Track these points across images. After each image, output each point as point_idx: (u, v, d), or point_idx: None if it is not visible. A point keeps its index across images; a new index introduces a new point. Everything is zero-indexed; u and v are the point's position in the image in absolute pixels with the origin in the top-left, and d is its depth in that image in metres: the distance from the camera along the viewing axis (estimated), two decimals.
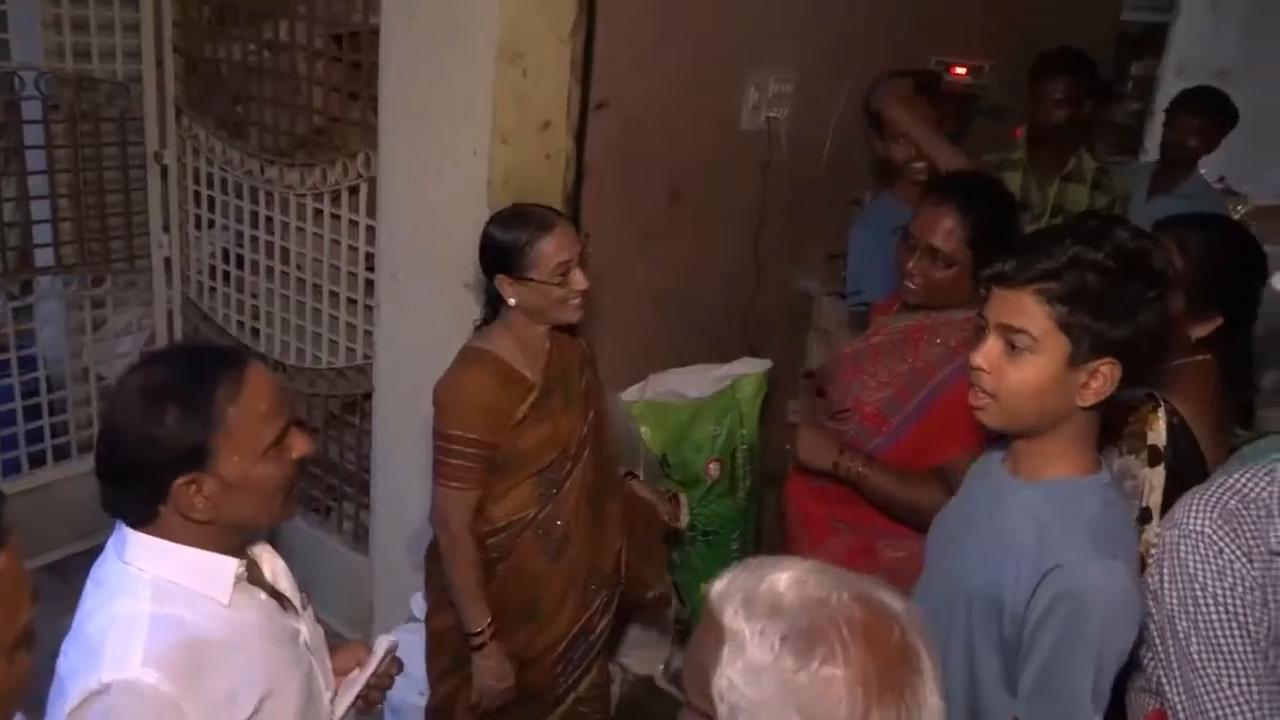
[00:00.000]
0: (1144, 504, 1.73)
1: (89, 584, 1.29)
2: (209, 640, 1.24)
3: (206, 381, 1.23)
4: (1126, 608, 1.34)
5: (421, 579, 2.33)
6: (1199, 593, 1.38)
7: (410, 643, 2.50)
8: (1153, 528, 1.71)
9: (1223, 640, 1.37)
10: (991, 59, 3.42)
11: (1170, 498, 1.64)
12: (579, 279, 2.01)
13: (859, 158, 3.27)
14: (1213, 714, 1.37)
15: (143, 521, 1.26)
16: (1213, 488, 1.43)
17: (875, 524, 2.07)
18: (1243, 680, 1.35)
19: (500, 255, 2.01)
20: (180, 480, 1.22)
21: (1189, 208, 3.12)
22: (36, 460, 3.39)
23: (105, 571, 1.28)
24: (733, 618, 0.86)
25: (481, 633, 2.10)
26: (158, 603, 1.23)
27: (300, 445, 1.31)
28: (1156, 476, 1.72)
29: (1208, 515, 1.40)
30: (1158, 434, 1.73)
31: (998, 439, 1.54)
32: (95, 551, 1.32)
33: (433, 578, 2.23)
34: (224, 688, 1.24)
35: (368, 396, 2.97)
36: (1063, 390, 1.36)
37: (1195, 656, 1.39)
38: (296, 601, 1.43)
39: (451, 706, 2.25)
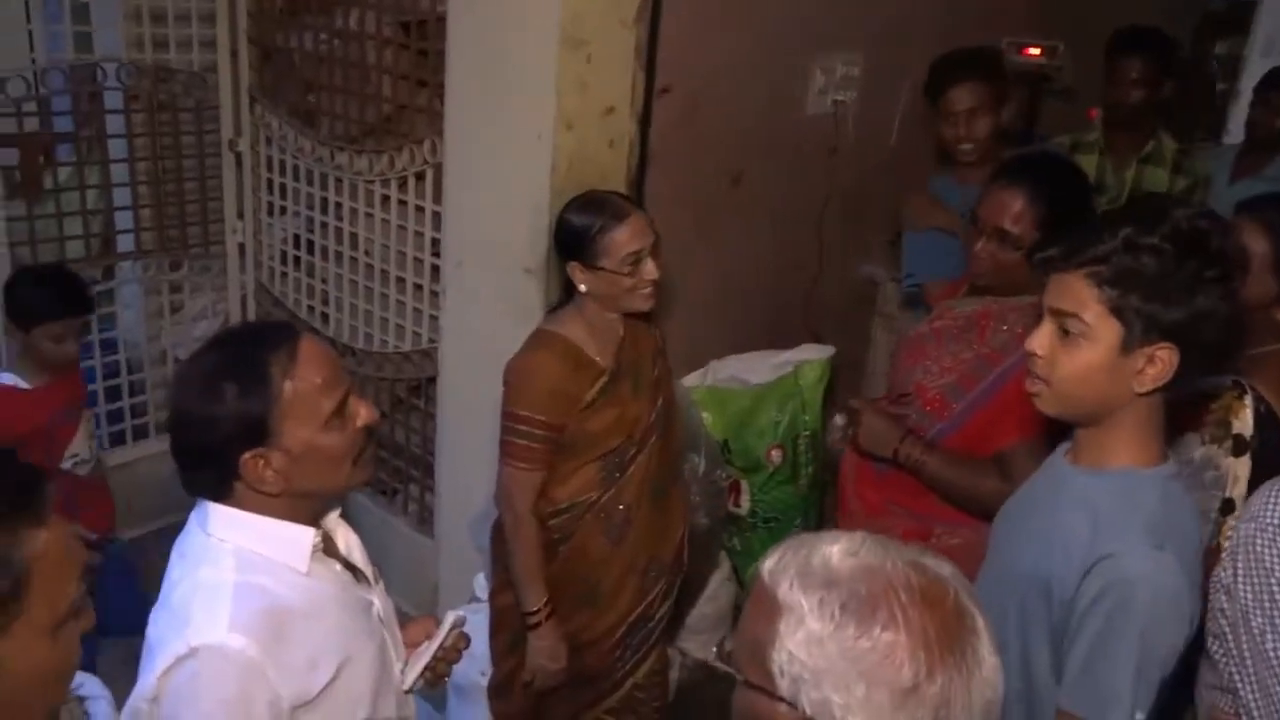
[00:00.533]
0: (1227, 495, 1.68)
1: (174, 556, 1.33)
2: (290, 608, 1.28)
3: (260, 359, 1.26)
4: (1175, 602, 1.31)
5: (484, 560, 2.37)
6: (1275, 587, 1.35)
7: (473, 622, 2.55)
8: (1233, 519, 1.66)
9: None
10: (1066, 39, 3.34)
11: (1256, 489, 1.59)
12: (650, 269, 2.01)
13: (927, 142, 3.22)
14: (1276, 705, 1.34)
15: (220, 497, 1.30)
16: None
17: (933, 511, 2.05)
18: None
19: (573, 241, 2.02)
20: (247, 456, 1.25)
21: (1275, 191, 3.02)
22: (117, 439, 3.51)
23: (189, 544, 1.32)
24: (789, 591, 0.86)
25: (537, 612, 2.12)
26: (241, 571, 1.27)
27: (365, 413, 1.34)
28: (1241, 467, 1.67)
29: None
30: (1244, 423, 1.68)
31: (1061, 428, 1.50)
32: (174, 528, 1.36)
33: (497, 557, 2.26)
34: (305, 654, 1.27)
35: (432, 381, 3.01)
36: (1117, 376, 1.33)
37: (1271, 653, 1.35)
38: (369, 574, 1.46)
39: (513, 684, 2.28)
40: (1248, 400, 1.68)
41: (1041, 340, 1.38)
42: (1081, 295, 1.32)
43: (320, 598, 1.33)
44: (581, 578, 2.16)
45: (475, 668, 2.44)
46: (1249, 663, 1.38)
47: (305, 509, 1.34)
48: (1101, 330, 1.32)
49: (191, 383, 1.28)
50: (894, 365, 2.25)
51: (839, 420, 2.21)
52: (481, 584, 2.58)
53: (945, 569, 0.89)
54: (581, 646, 2.19)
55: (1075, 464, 1.44)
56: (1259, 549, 1.37)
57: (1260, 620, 1.36)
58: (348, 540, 1.46)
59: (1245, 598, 1.38)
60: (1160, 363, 1.31)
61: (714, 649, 0.96)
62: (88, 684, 2.31)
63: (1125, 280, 1.29)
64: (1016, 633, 1.44)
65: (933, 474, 1.99)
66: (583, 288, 2.04)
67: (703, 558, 2.88)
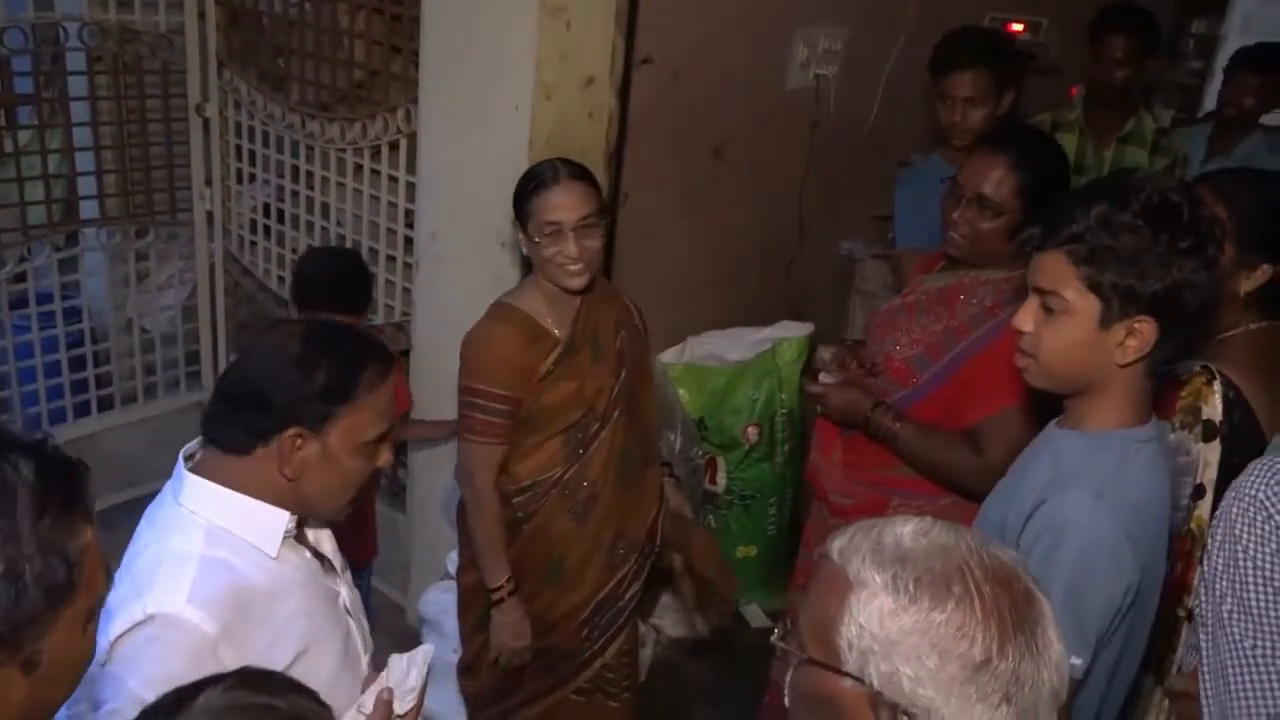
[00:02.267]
0: (1198, 480, 1.68)
1: (143, 523, 1.32)
2: (254, 589, 1.27)
3: (360, 360, 1.30)
4: (1109, 552, 1.35)
5: (456, 536, 2.34)
6: (1240, 555, 1.38)
7: (445, 601, 2.53)
8: (1206, 504, 1.66)
9: (1255, 604, 1.36)
10: (1050, 15, 3.32)
11: (1226, 473, 1.60)
12: (571, 246, 1.94)
13: (908, 119, 3.19)
14: (1232, 672, 1.37)
15: (235, 451, 1.29)
16: None
17: (890, 482, 2.07)
18: (1268, 644, 1.35)
19: (515, 202, 2.02)
20: (293, 430, 1.27)
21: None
22: (81, 410, 3.43)
23: (162, 513, 1.31)
24: (861, 567, 0.87)
25: (500, 588, 2.10)
26: (209, 545, 1.26)
27: (386, 455, 1.37)
28: (1211, 452, 1.67)
29: (1263, 481, 1.38)
30: (1213, 408, 1.68)
31: (1044, 401, 1.55)
32: (140, 501, 1.35)
33: (464, 535, 2.23)
34: (264, 638, 1.26)
35: (406, 354, 2.96)
36: (1099, 350, 1.37)
37: (1226, 616, 1.38)
38: (337, 564, 1.46)
39: (481, 662, 2.25)
40: (1216, 385, 1.68)
41: (1026, 317, 1.42)
42: (1061, 273, 1.36)
43: (286, 582, 1.32)
44: (545, 555, 2.14)
45: (447, 646, 2.42)
46: (1209, 623, 1.41)
47: (296, 500, 1.33)
48: (1081, 306, 1.36)
49: (293, 339, 1.31)
50: (868, 338, 2.26)
51: (826, 355, 2.23)
52: (454, 561, 2.54)
53: (1010, 554, 0.90)
54: (548, 625, 2.17)
55: (1061, 426, 1.50)
56: (1233, 517, 1.40)
57: (1224, 584, 1.39)
58: (317, 530, 1.44)
59: (1216, 563, 1.41)
60: (1140, 335, 1.35)
61: (775, 629, 0.97)
62: None
63: (1101, 257, 1.33)
64: None
65: (904, 443, 2.01)
66: (524, 250, 2.03)
67: None
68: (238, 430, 1.29)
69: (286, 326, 1.36)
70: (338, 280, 2.46)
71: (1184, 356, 1.70)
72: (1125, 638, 1.44)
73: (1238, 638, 1.37)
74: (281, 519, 1.32)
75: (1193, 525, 1.69)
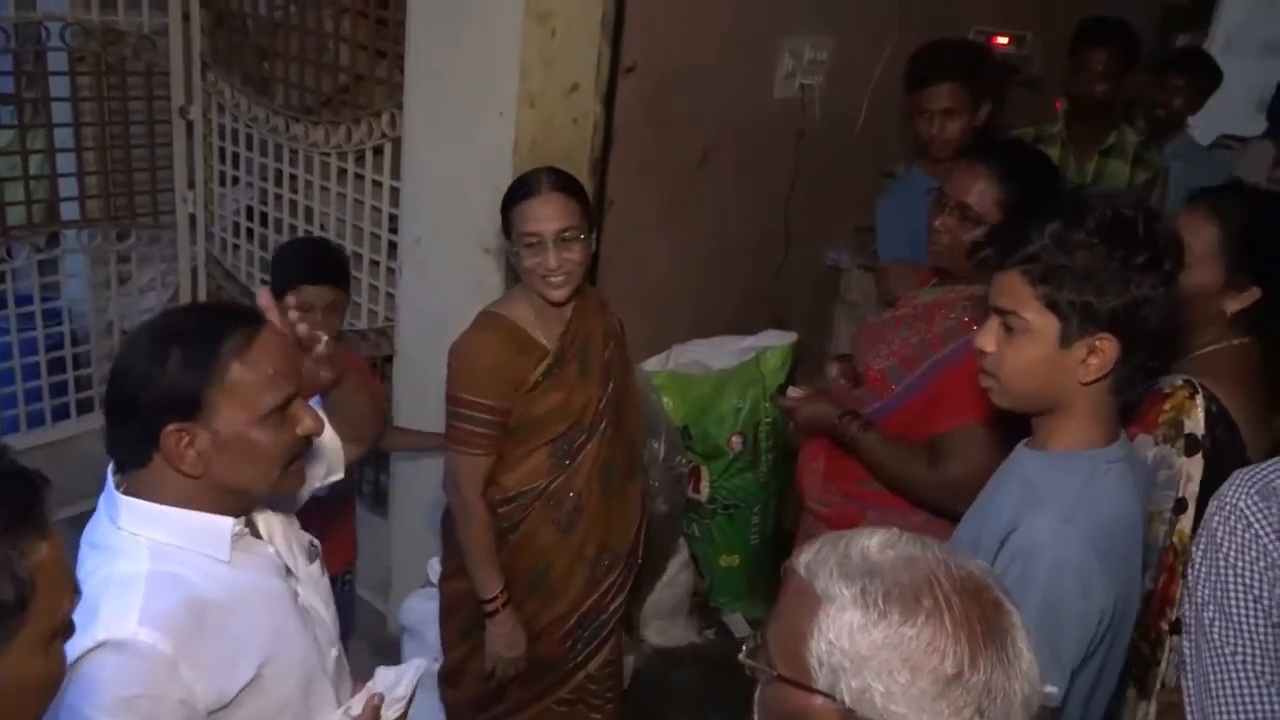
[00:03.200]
0: (1179, 495, 1.68)
1: (84, 547, 1.26)
2: (208, 599, 1.22)
3: (215, 333, 1.22)
4: (1078, 574, 1.34)
5: (439, 543, 2.33)
6: (1221, 563, 1.38)
7: (426, 609, 2.51)
8: (1188, 518, 1.66)
9: (1235, 611, 1.36)
10: (1034, 29, 3.34)
11: (1209, 488, 1.60)
12: (550, 259, 1.93)
13: (893, 129, 3.20)
14: (1214, 678, 1.37)
15: (136, 465, 1.24)
16: (1263, 466, 1.41)
17: (866, 496, 2.08)
18: (1248, 651, 1.35)
19: (502, 211, 2.01)
20: (171, 428, 1.20)
21: (1183, 167, 3.16)
22: (60, 414, 3.40)
23: (100, 535, 1.26)
24: (828, 582, 0.86)
25: (494, 599, 2.08)
26: (155, 561, 1.22)
27: (309, 422, 1.29)
28: (1194, 466, 1.67)
29: (1245, 490, 1.38)
30: (1195, 422, 1.68)
31: (1010, 418, 1.54)
32: None
33: (448, 543, 2.22)
34: (224, 650, 1.22)
35: (389, 359, 2.95)
36: (1060, 369, 1.37)
37: (1208, 623, 1.39)
38: (289, 560, 1.39)
39: (462, 672, 2.24)
40: (1199, 399, 1.68)
41: (988, 338, 1.43)
42: (1019, 292, 1.37)
43: (244, 588, 1.28)
44: (529, 566, 2.13)
45: (428, 654, 2.40)
46: (1192, 631, 1.42)
47: (224, 502, 1.27)
48: (1040, 325, 1.36)
49: (141, 339, 1.24)
50: (855, 349, 2.27)
51: (834, 370, 2.24)
52: (435, 567, 2.53)
53: (978, 565, 0.90)
54: (532, 636, 2.16)
55: (1029, 445, 1.49)
56: (1214, 526, 1.41)
57: (1204, 592, 1.39)
58: (269, 525, 1.39)
59: (1199, 571, 1.41)
60: (1101, 352, 1.35)
61: (743, 647, 0.95)
62: None
63: (1057, 275, 1.33)
64: None
65: (866, 451, 2.02)
66: (511, 259, 2.02)
67: (661, 544, 2.86)
68: (126, 444, 1.24)
69: (141, 325, 1.28)
70: (314, 258, 2.35)
71: (1153, 374, 1.70)
72: (1102, 660, 1.43)
73: (1219, 644, 1.37)
74: (225, 525, 1.27)
75: (1175, 539, 1.69)
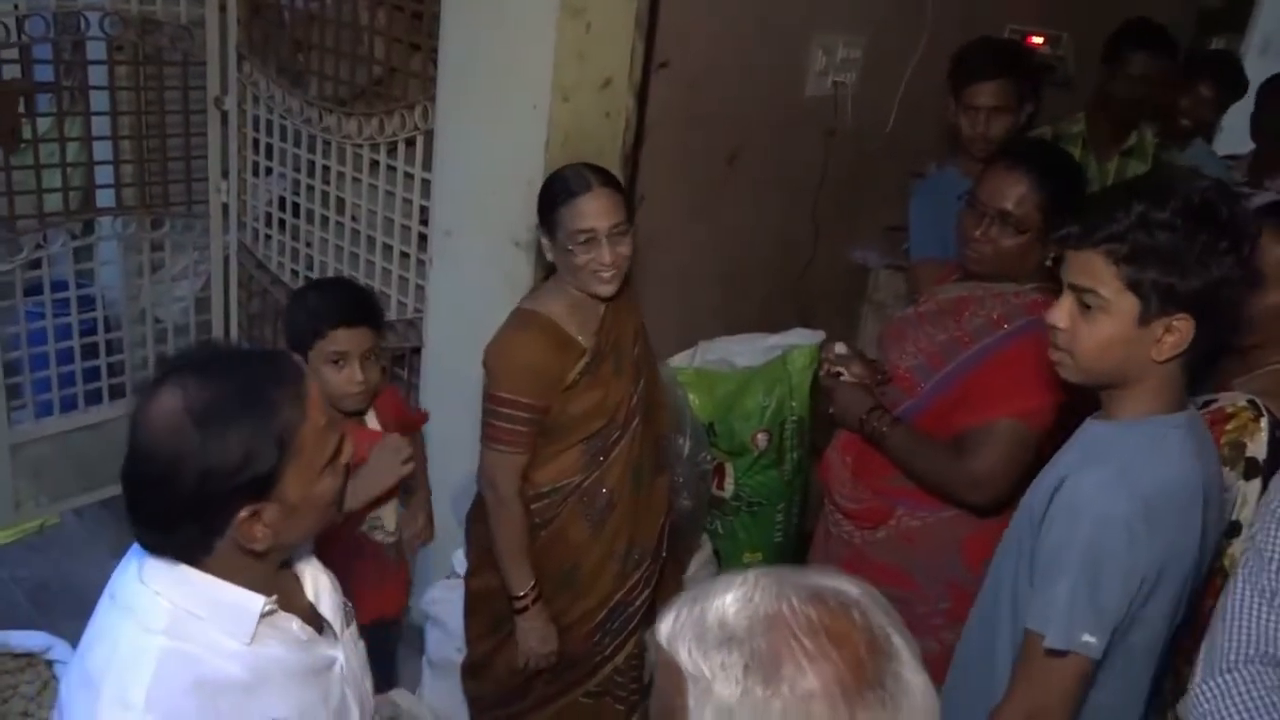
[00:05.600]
0: (1234, 518, 1.66)
1: (105, 596, 1.18)
2: (225, 681, 1.12)
3: (270, 402, 1.09)
4: (1125, 529, 1.37)
5: (464, 535, 2.34)
6: (1267, 515, 1.41)
7: (450, 599, 2.53)
8: (1239, 543, 1.64)
9: (1268, 547, 1.39)
10: (1064, 29, 3.31)
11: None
12: (604, 254, 1.92)
13: (925, 128, 3.19)
14: (1229, 604, 1.40)
15: (193, 561, 1.13)
16: None
17: (895, 492, 2.08)
18: (1266, 582, 1.37)
19: (540, 209, 1.99)
20: (245, 513, 1.10)
21: None
22: (93, 398, 3.44)
23: (122, 588, 1.16)
24: (689, 659, 0.81)
25: (524, 596, 2.09)
26: (172, 635, 1.11)
27: (348, 450, 1.21)
28: (1251, 490, 1.65)
29: None
30: (1258, 445, 1.66)
31: (1066, 407, 1.60)
32: None
33: (473, 539, 2.23)
34: None
35: (417, 351, 2.97)
36: (1137, 347, 1.40)
37: (1241, 563, 1.42)
38: (337, 625, 1.31)
39: (487, 666, 2.25)
40: (1264, 423, 1.66)
41: (1062, 314, 1.45)
42: (1099, 271, 1.39)
43: (264, 666, 1.16)
44: (560, 562, 2.13)
45: (451, 645, 2.42)
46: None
47: (275, 562, 1.20)
48: (1119, 304, 1.39)
49: (178, 423, 1.06)
50: (880, 349, 2.26)
51: (840, 349, 2.22)
52: (460, 559, 2.55)
53: (851, 591, 0.83)
54: (560, 631, 2.16)
55: (1095, 417, 1.53)
56: (1273, 485, 1.44)
57: (1250, 541, 1.43)
58: (317, 585, 1.30)
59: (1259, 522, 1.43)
60: (1178, 332, 1.38)
61: (634, 718, 0.91)
62: (57, 648, 2.27)
63: (1141, 256, 1.35)
64: (1014, 563, 1.52)
65: (892, 447, 2.02)
66: (549, 257, 2.01)
67: (685, 540, 2.86)
68: (181, 548, 1.12)
69: (159, 403, 1.08)
70: (347, 299, 2.10)
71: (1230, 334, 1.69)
72: (1151, 621, 1.46)
73: (1243, 576, 1.40)
74: (256, 604, 1.15)
75: (1225, 561, 1.67)
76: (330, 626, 1.30)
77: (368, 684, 1.38)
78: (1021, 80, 2.55)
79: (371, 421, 2.17)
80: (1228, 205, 1.36)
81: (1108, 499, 1.38)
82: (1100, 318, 1.40)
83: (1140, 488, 1.39)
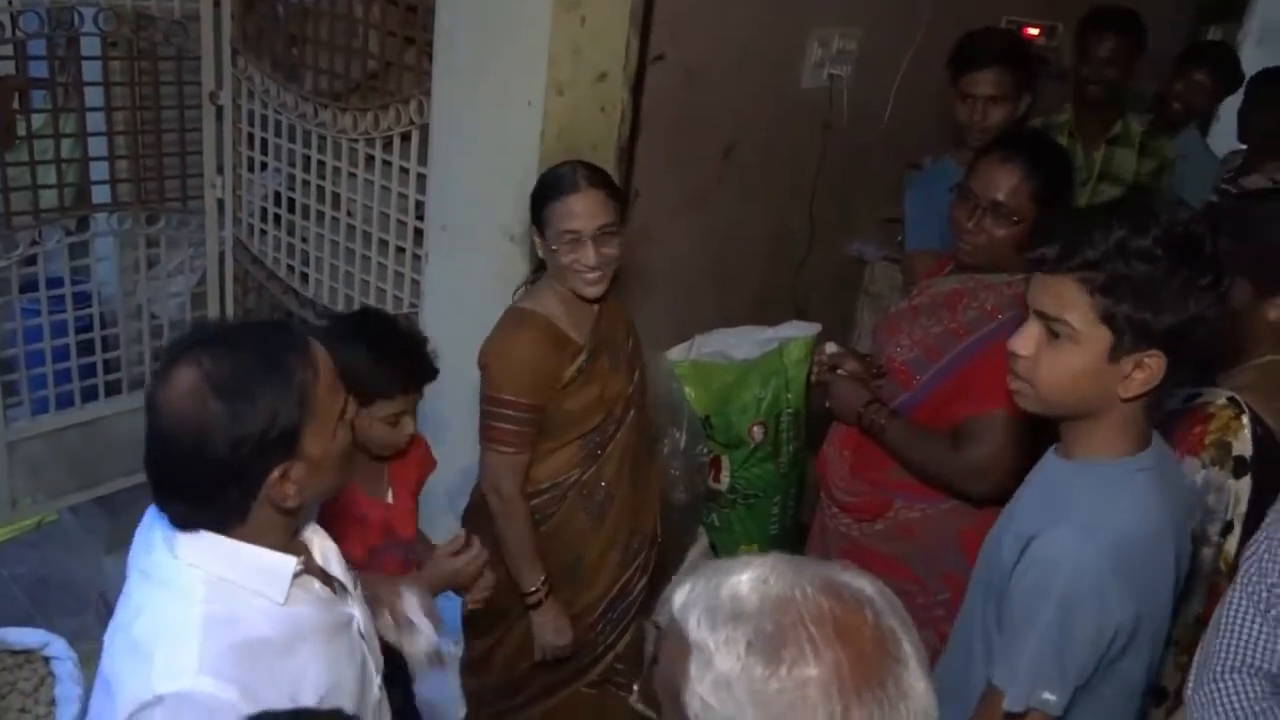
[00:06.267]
0: (1228, 517, 1.65)
1: (135, 575, 1.22)
2: (265, 640, 1.19)
3: (283, 362, 1.16)
4: (1094, 586, 1.31)
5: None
6: (1272, 528, 1.41)
7: (447, 594, 2.53)
8: (1234, 539, 1.64)
9: (1268, 562, 1.39)
10: (1059, 20, 3.31)
11: (1256, 510, 1.59)
12: (588, 255, 1.92)
13: (921, 120, 3.18)
14: (1224, 616, 1.41)
15: (226, 529, 1.19)
16: None
17: (893, 484, 2.08)
18: (1262, 594, 1.38)
19: (533, 206, 1.99)
20: (276, 472, 1.16)
21: (1183, 166, 3.10)
22: (89, 395, 3.44)
23: (155, 564, 1.20)
24: (696, 629, 0.82)
25: (536, 591, 2.09)
26: (210, 601, 1.17)
27: (352, 407, 1.27)
28: (1243, 488, 1.64)
29: None
30: (1243, 443, 1.64)
31: (1036, 419, 1.52)
32: (145, 487, 1.22)
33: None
34: (282, 689, 1.18)
35: None
36: (1104, 382, 1.32)
37: (1239, 575, 1.43)
38: (349, 584, 1.37)
39: (487, 662, 2.26)
40: (1245, 420, 1.65)
41: (1026, 342, 1.36)
42: (1072, 300, 1.31)
43: (298, 625, 1.24)
44: (563, 554, 2.14)
45: (448, 638, 2.42)
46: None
47: (300, 521, 1.27)
48: (1091, 336, 1.30)
49: (199, 399, 1.12)
50: (875, 342, 2.27)
51: (832, 348, 2.22)
52: None
53: (867, 589, 0.83)
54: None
55: (1057, 455, 1.46)
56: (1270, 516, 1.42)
57: (1248, 552, 1.43)
58: (324, 549, 1.36)
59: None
60: (1148, 369, 1.30)
61: (635, 688, 0.92)
62: (54, 645, 2.27)
63: (1117, 287, 1.27)
64: (984, 601, 1.48)
65: (891, 440, 2.02)
66: (540, 254, 2.01)
67: (681, 533, 2.86)
68: (223, 510, 1.18)
69: (177, 383, 1.13)
70: (420, 363, 1.93)
71: (1190, 383, 1.68)
72: (1128, 670, 1.43)
73: (1239, 587, 1.41)
74: (288, 565, 1.22)
75: (1221, 562, 1.68)
76: (343, 585, 1.35)
77: (377, 644, 1.43)
78: (1019, 71, 2.54)
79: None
80: (1211, 238, 1.28)
81: (1077, 558, 1.31)
82: (1068, 348, 1.32)
83: (1107, 539, 1.32)
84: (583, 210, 1.92)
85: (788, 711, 0.77)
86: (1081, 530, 1.32)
